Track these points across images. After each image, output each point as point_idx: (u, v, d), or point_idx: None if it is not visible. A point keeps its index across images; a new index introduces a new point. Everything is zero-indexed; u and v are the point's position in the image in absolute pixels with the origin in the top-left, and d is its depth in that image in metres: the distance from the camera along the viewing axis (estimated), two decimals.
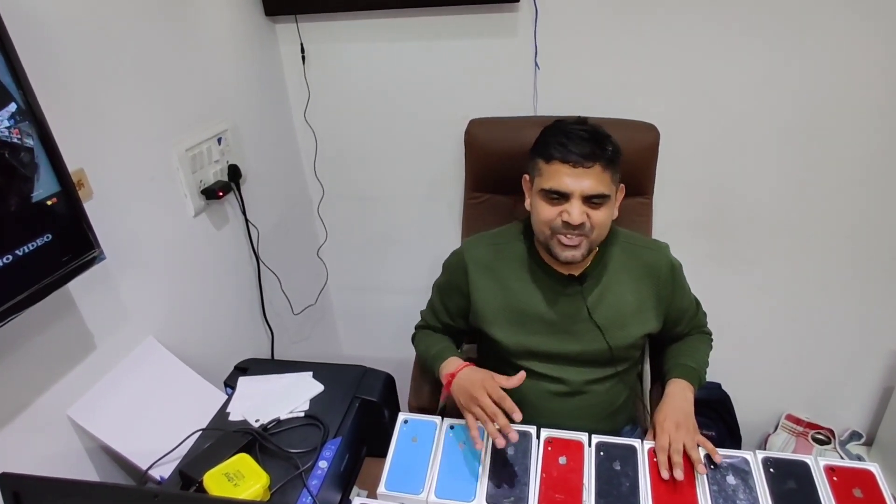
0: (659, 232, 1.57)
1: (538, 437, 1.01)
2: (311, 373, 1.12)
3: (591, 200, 0.98)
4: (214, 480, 0.84)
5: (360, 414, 1.04)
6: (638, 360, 1.20)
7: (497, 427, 0.93)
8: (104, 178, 0.99)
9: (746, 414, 1.73)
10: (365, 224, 1.76)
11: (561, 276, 1.08)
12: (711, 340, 1.22)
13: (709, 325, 1.24)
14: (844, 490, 0.87)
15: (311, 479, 0.89)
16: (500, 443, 0.91)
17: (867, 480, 0.88)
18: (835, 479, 0.89)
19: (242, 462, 0.87)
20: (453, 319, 1.18)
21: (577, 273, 1.08)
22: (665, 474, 0.92)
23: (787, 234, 1.53)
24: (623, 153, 1.04)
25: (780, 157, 1.44)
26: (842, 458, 1.68)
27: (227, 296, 1.36)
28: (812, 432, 1.74)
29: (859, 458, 1.67)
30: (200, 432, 0.99)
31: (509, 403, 0.93)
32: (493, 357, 1.20)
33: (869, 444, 1.72)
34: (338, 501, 0.96)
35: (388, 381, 1.12)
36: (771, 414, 1.82)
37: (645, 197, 1.40)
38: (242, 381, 1.11)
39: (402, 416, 1.08)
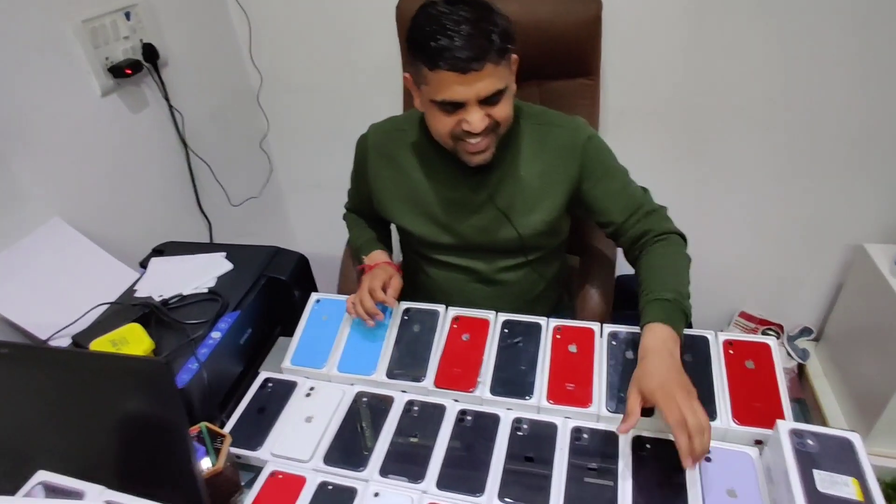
0: (609, 120, 1.49)
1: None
2: (224, 253, 1.10)
3: (490, 100, 0.88)
4: (100, 347, 0.84)
5: (266, 291, 1.03)
6: (558, 249, 1.14)
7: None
8: None
9: (700, 312, 1.70)
10: (309, 115, 1.69)
11: (461, 163, 0.99)
12: (686, 245, 1.03)
13: None
14: (737, 361, 0.86)
15: (201, 347, 0.89)
16: (371, 323, 0.96)
17: (762, 353, 0.87)
18: (731, 351, 0.88)
19: (131, 331, 0.87)
20: (368, 205, 1.15)
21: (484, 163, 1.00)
22: (690, 464, 0.70)
23: (745, 128, 1.45)
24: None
25: (740, 42, 1.33)
26: (788, 353, 1.69)
27: (150, 181, 1.32)
28: (763, 328, 1.74)
29: (805, 353, 1.68)
30: (106, 307, 0.99)
31: (382, 303, 0.98)
32: (408, 249, 1.19)
33: (818, 339, 1.72)
34: (238, 374, 0.97)
35: (301, 262, 1.10)
36: (725, 312, 1.81)
37: (589, 78, 1.31)
38: (154, 262, 1.10)
39: (314, 296, 1.08)
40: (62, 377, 0.65)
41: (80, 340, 0.88)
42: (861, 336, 1.50)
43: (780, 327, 1.72)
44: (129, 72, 1.18)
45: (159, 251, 1.15)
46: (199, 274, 1.04)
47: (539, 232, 1.03)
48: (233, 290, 1.01)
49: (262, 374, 0.98)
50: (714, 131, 1.47)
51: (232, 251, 1.11)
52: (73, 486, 0.61)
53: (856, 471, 0.66)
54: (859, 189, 1.46)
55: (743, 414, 0.79)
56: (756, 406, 0.80)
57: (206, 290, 1.01)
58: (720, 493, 0.72)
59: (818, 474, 0.66)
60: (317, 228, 1.94)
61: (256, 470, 0.84)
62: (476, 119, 0.88)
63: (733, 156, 1.50)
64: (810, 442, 0.69)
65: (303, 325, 1.04)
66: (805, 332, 1.73)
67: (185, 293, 1.00)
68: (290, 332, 1.07)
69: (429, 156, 1.04)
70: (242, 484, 0.83)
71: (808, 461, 0.67)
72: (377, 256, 1.10)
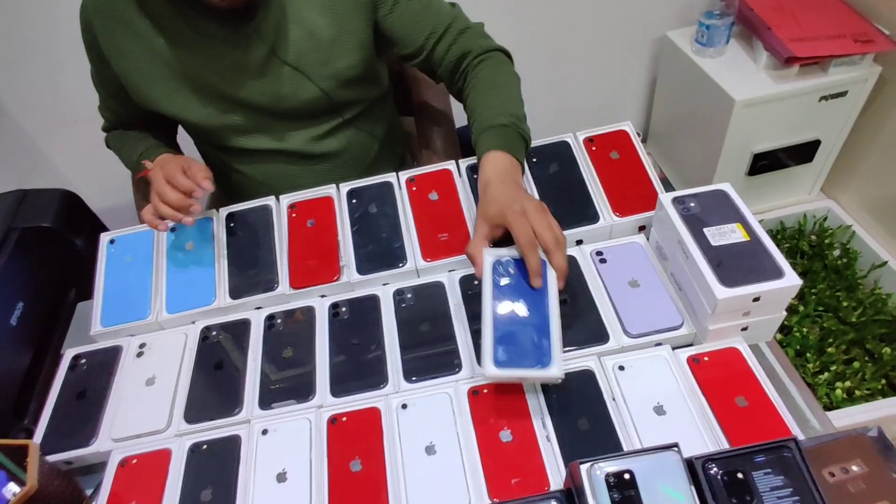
0: None
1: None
2: None
3: None
4: None
5: (23, 248, 0.76)
6: (381, 101, 0.97)
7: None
8: None
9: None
10: (25, 20, 1.25)
11: (223, 14, 0.76)
12: (512, 62, 0.87)
13: None
14: (602, 155, 0.81)
15: None
16: (188, 220, 0.75)
17: (622, 140, 0.83)
18: (593, 148, 0.83)
19: None
20: (128, 104, 0.87)
21: (241, 3, 0.76)
22: (539, 283, 0.64)
23: None
24: None
25: None
26: None
27: None
28: None
29: None
30: None
31: (191, 194, 0.75)
32: (204, 147, 0.96)
33: (646, 140, 1.81)
34: (28, 365, 0.72)
35: (67, 199, 0.83)
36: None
37: None
38: None
39: (105, 237, 0.83)
40: None
41: None
42: (680, 122, 1.58)
43: None
44: None
45: None
46: None
47: (346, 81, 0.85)
48: None
49: (69, 353, 0.76)
50: None
51: None
52: None
53: (737, 216, 0.66)
54: None
55: (622, 205, 0.76)
56: (631, 194, 0.77)
57: None
58: (623, 287, 0.69)
59: (708, 231, 0.64)
60: (103, 170, 1.55)
61: (104, 468, 0.65)
62: None
63: None
64: (692, 204, 0.67)
65: (102, 276, 0.81)
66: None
67: None
68: (90, 293, 0.83)
69: (172, 11, 0.77)
70: (88, 492, 0.65)
71: (695, 223, 0.65)
72: (164, 158, 0.84)
